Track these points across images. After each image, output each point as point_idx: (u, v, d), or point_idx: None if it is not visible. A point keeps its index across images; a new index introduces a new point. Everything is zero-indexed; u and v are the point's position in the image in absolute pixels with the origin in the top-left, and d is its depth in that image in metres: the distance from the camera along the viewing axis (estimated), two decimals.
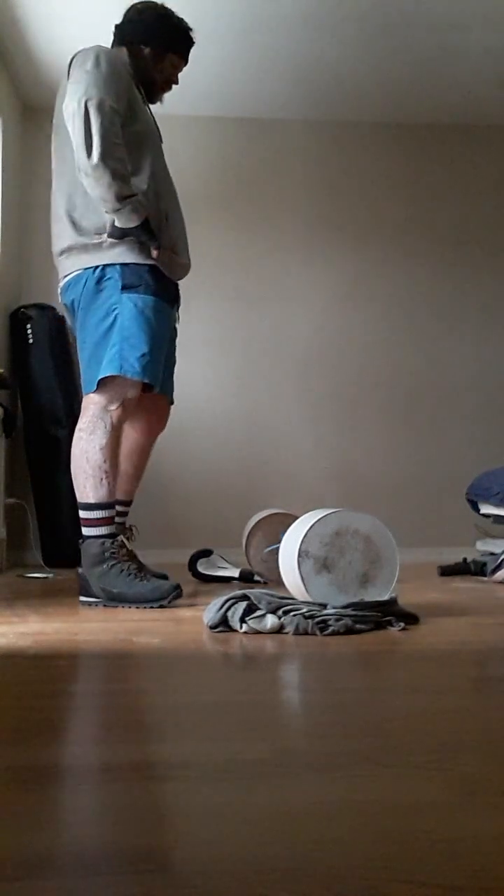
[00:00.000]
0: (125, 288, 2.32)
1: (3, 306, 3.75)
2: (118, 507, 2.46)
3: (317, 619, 1.73)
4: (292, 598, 1.91)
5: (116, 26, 2.53)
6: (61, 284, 2.46)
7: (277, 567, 2.17)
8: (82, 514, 2.36)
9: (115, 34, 2.52)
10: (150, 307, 2.34)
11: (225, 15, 3.41)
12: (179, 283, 2.53)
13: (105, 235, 2.31)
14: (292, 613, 1.76)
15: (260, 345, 4.23)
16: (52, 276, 3.56)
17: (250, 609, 1.76)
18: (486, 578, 3.07)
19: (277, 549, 2.24)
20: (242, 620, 1.73)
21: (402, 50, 3.69)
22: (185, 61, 2.60)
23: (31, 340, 3.76)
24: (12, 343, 3.81)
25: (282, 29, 3.51)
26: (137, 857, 0.63)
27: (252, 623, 1.73)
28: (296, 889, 0.58)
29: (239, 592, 1.84)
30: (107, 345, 2.32)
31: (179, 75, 2.62)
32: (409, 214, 4.39)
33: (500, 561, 2.98)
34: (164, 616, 2.05)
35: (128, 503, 2.58)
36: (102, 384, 2.33)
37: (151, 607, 2.20)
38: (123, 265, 2.33)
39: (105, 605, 2.26)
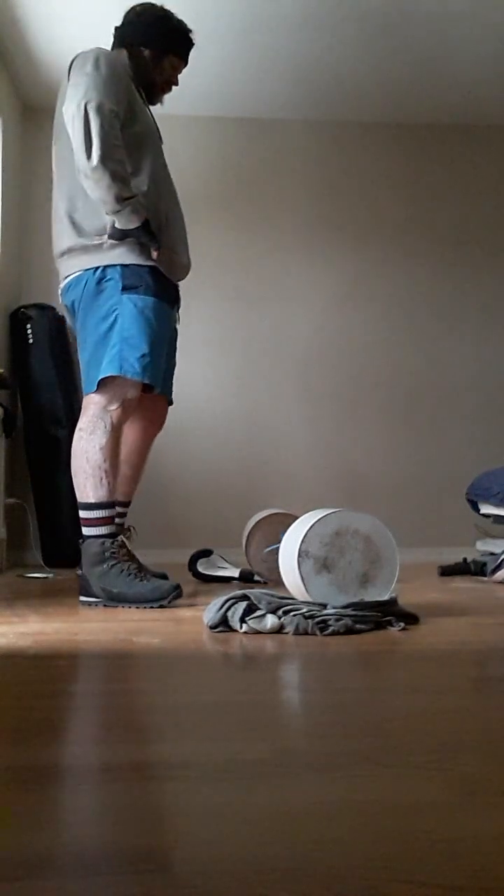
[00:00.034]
0: (125, 289, 2.33)
1: (3, 306, 3.75)
2: (117, 508, 2.46)
3: (317, 619, 1.73)
4: (292, 598, 1.91)
5: (116, 28, 2.53)
6: (62, 285, 2.47)
7: (277, 567, 2.17)
8: (82, 513, 2.36)
9: (114, 36, 2.53)
10: (150, 308, 2.34)
11: (225, 15, 3.41)
12: (180, 283, 2.54)
13: (105, 237, 2.32)
14: (292, 613, 1.76)
15: (260, 345, 4.24)
16: (52, 276, 3.56)
17: (250, 609, 1.76)
18: (486, 578, 3.07)
19: (277, 549, 2.24)
20: (242, 620, 1.73)
21: (402, 50, 3.69)
22: (185, 62, 2.60)
23: (31, 340, 3.76)
24: (12, 343, 3.81)
25: (282, 29, 3.52)
26: (137, 857, 0.63)
27: (252, 623, 1.73)
28: (296, 889, 0.58)
29: (239, 592, 1.84)
30: (107, 345, 2.32)
31: (179, 76, 2.62)
32: (409, 214, 4.39)
33: (500, 561, 2.98)
34: (164, 616, 2.05)
35: (126, 504, 2.58)
36: (102, 384, 2.34)
37: (151, 607, 2.20)
38: (124, 266, 2.34)
39: (105, 605, 2.26)
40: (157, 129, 2.56)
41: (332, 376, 4.26)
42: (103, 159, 2.18)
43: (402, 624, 1.78)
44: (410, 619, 1.84)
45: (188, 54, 2.60)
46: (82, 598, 2.31)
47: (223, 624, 1.76)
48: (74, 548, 2.49)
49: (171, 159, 2.62)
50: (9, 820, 0.71)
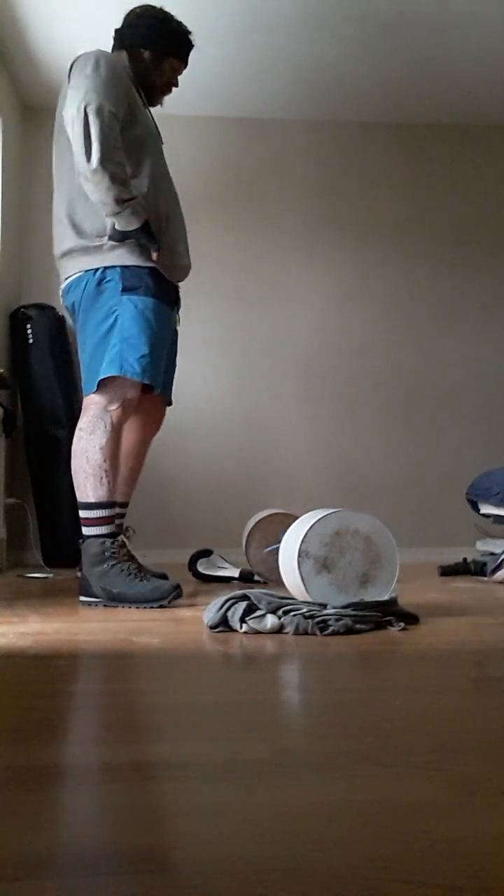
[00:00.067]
0: (125, 290, 2.33)
1: (3, 306, 3.75)
2: (117, 509, 2.46)
3: (317, 619, 1.73)
4: (292, 598, 1.91)
5: (116, 30, 2.54)
6: (62, 286, 2.48)
7: (277, 567, 2.17)
8: (82, 513, 2.37)
9: (114, 38, 2.53)
10: (150, 309, 2.35)
11: (225, 15, 3.41)
12: (180, 284, 2.54)
13: (106, 238, 2.33)
14: (292, 613, 1.76)
15: (260, 345, 4.24)
16: (52, 276, 3.57)
17: (250, 609, 1.76)
18: (486, 578, 3.07)
19: (277, 549, 2.24)
20: (242, 620, 1.73)
21: (402, 50, 3.69)
22: (185, 64, 2.61)
23: (31, 340, 3.76)
24: (12, 343, 3.81)
25: (282, 29, 3.52)
26: (137, 857, 0.63)
27: (252, 623, 1.73)
28: (296, 889, 0.58)
29: (239, 592, 1.84)
30: (107, 346, 2.33)
31: (179, 77, 2.62)
32: (409, 214, 4.39)
33: (500, 561, 2.98)
34: (164, 616, 2.05)
35: (124, 505, 2.58)
36: (102, 385, 2.34)
37: (151, 607, 2.20)
38: (124, 267, 2.34)
39: (105, 605, 2.26)
40: (158, 130, 2.56)
41: (332, 376, 4.26)
42: (103, 161, 2.19)
43: (402, 624, 1.78)
44: (410, 619, 1.84)
45: (188, 56, 2.60)
46: (82, 598, 2.31)
47: (223, 624, 1.76)
48: (74, 548, 2.49)
49: (171, 159, 2.62)
50: (9, 820, 0.71)
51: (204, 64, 3.61)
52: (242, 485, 4.08)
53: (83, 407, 2.41)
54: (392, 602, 1.87)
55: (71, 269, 2.41)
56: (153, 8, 2.56)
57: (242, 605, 1.77)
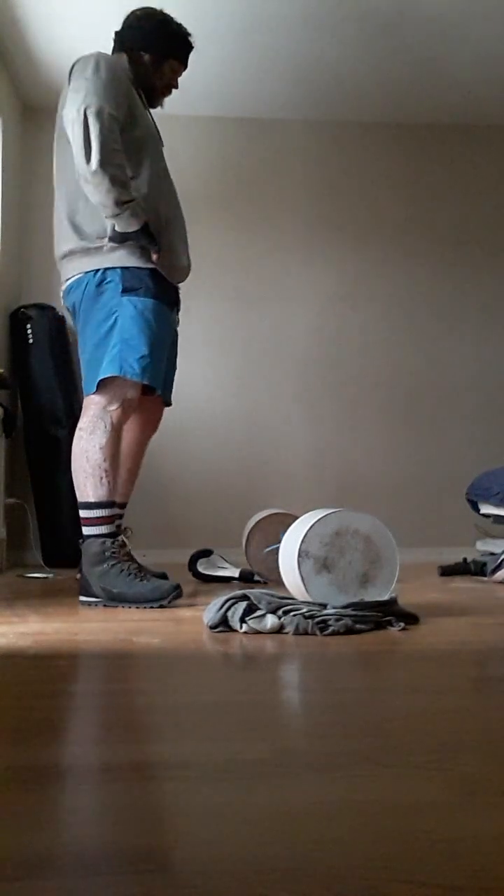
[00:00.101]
0: (125, 291, 2.34)
1: (3, 306, 3.75)
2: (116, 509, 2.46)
3: (317, 619, 1.73)
4: (292, 598, 1.91)
5: (116, 33, 2.55)
6: (63, 288, 2.49)
7: (277, 567, 2.17)
8: (82, 513, 2.37)
9: (115, 41, 2.54)
10: (149, 310, 2.35)
11: (225, 15, 3.41)
12: (180, 285, 2.55)
13: (106, 240, 2.33)
14: (292, 613, 1.76)
15: (260, 345, 4.24)
16: (52, 276, 3.57)
17: (250, 609, 1.76)
18: (486, 578, 3.07)
19: (277, 549, 2.24)
20: (242, 620, 1.73)
21: (402, 50, 3.69)
22: (185, 66, 2.62)
23: (31, 340, 3.76)
24: (12, 343, 3.81)
25: (282, 29, 3.52)
26: (137, 857, 0.63)
27: (252, 623, 1.73)
28: (296, 889, 0.58)
29: (239, 592, 1.84)
30: (107, 346, 2.33)
31: (179, 78, 2.63)
32: (409, 214, 4.39)
33: (500, 561, 2.98)
34: (164, 616, 2.05)
35: (123, 506, 2.58)
36: (102, 385, 2.34)
37: (151, 607, 2.20)
38: (124, 269, 2.35)
39: (105, 605, 2.26)
40: (158, 132, 2.57)
41: (332, 376, 4.26)
42: (102, 163, 2.20)
43: (402, 624, 1.78)
44: (410, 619, 1.84)
45: (188, 58, 2.61)
46: (82, 598, 2.31)
47: (223, 624, 1.76)
48: (74, 548, 2.49)
49: (171, 159, 2.63)
50: (9, 820, 0.71)
51: (204, 64, 3.61)
52: (242, 485, 4.08)
53: (83, 407, 2.41)
54: (392, 602, 1.87)
55: (71, 271, 2.42)
56: (153, 10, 2.57)
57: (242, 605, 1.77)
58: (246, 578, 2.85)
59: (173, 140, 3.25)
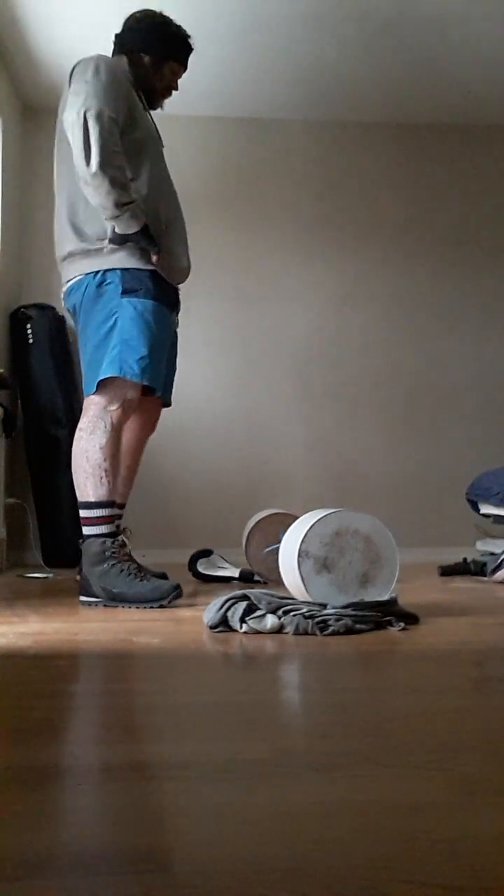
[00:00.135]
0: (125, 292, 2.35)
1: (3, 306, 3.75)
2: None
3: (317, 619, 1.73)
4: (292, 598, 1.91)
5: (116, 35, 2.56)
6: (63, 289, 2.50)
7: (277, 567, 2.17)
8: (82, 513, 2.37)
9: (114, 43, 2.56)
10: (149, 311, 2.36)
11: (225, 15, 3.41)
12: (179, 286, 2.55)
13: (106, 241, 2.34)
14: (292, 613, 1.76)
15: (260, 345, 4.24)
16: (52, 276, 3.57)
17: (250, 609, 1.76)
18: (486, 578, 3.07)
19: (277, 549, 2.24)
20: (242, 620, 1.73)
21: (402, 50, 3.69)
22: (185, 68, 2.63)
23: (31, 340, 3.76)
24: (12, 343, 3.81)
25: (282, 29, 3.52)
26: (137, 857, 0.63)
27: (252, 623, 1.73)
28: (296, 889, 0.58)
29: (239, 592, 1.84)
30: (107, 347, 2.34)
31: (179, 79, 2.63)
32: (409, 214, 4.39)
33: (500, 561, 2.98)
34: (164, 616, 2.05)
35: (122, 506, 2.58)
36: (102, 385, 2.35)
37: (151, 607, 2.20)
38: (124, 270, 2.36)
39: (105, 605, 2.26)
40: (158, 133, 2.57)
41: (332, 376, 4.27)
42: (102, 166, 2.21)
43: (402, 624, 1.78)
44: (410, 619, 1.84)
45: (187, 60, 2.62)
46: (82, 598, 2.32)
47: (223, 624, 1.76)
48: (74, 548, 2.49)
49: (171, 159, 2.63)
50: (9, 820, 0.71)
51: (204, 64, 3.61)
52: (242, 485, 4.08)
53: (83, 408, 2.42)
54: (392, 602, 1.87)
55: (72, 273, 2.43)
56: (153, 12, 2.58)
57: (242, 605, 1.77)
58: (246, 578, 2.85)
59: (173, 140, 3.25)
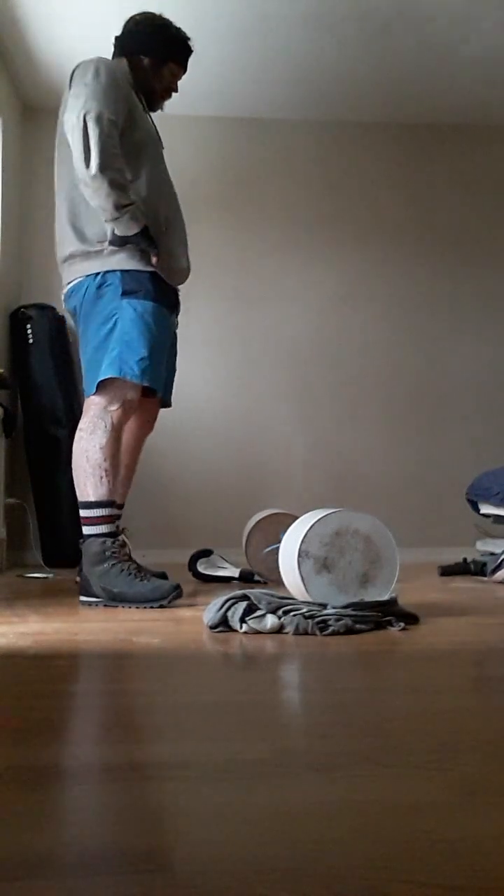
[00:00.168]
0: (125, 293, 2.35)
1: (3, 306, 3.75)
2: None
3: (317, 619, 1.73)
4: (292, 598, 1.91)
5: (116, 38, 2.57)
6: (64, 291, 2.51)
7: (277, 567, 2.17)
8: (83, 512, 2.37)
9: (114, 45, 2.57)
10: (149, 312, 2.36)
11: (225, 15, 3.41)
12: (179, 287, 2.56)
13: (106, 243, 2.35)
14: (292, 613, 1.76)
15: (259, 345, 4.24)
16: (52, 276, 3.57)
17: (250, 609, 1.76)
18: (486, 578, 3.07)
19: (277, 549, 2.24)
20: (242, 620, 1.73)
21: (402, 50, 3.69)
22: (184, 69, 2.64)
23: (31, 340, 3.76)
24: (12, 343, 3.81)
25: (282, 29, 3.52)
26: (137, 857, 0.63)
27: (252, 623, 1.73)
28: (296, 889, 0.58)
29: (239, 592, 1.84)
30: (107, 348, 2.34)
31: (179, 81, 2.64)
32: (409, 214, 4.39)
33: (500, 561, 2.98)
34: (164, 616, 2.05)
35: (120, 506, 2.58)
36: (102, 386, 2.36)
37: (151, 607, 2.20)
38: (124, 272, 2.36)
39: (105, 605, 2.26)
40: (158, 135, 2.58)
41: (332, 376, 4.27)
42: (102, 168, 2.21)
43: (402, 624, 1.78)
44: (410, 619, 1.84)
45: (187, 61, 2.63)
46: (82, 598, 2.32)
47: (223, 624, 1.76)
48: (74, 548, 2.49)
49: (171, 159, 2.63)
50: (9, 820, 0.71)
51: (204, 64, 3.62)
52: (242, 485, 4.08)
53: (84, 408, 2.43)
54: (392, 602, 1.87)
55: (72, 275, 2.44)
56: (152, 15, 2.59)
57: (242, 605, 1.77)
58: (246, 578, 2.85)
59: (173, 140, 3.25)
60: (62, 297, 2.54)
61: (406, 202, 4.39)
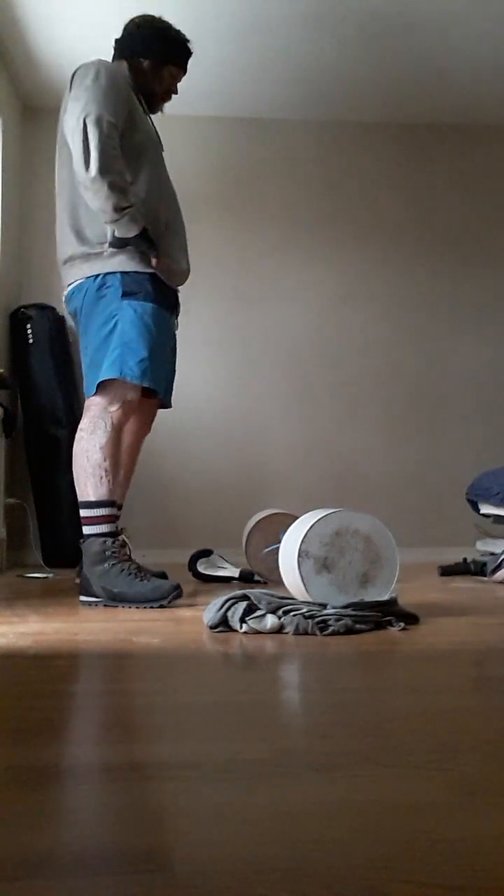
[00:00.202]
0: (125, 295, 2.36)
1: (3, 306, 3.75)
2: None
3: (317, 619, 1.73)
4: (292, 598, 1.91)
5: (116, 41, 2.58)
6: (65, 293, 2.52)
7: (277, 567, 2.17)
8: (83, 512, 2.37)
9: (115, 48, 2.58)
10: (149, 314, 2.36)
11: (225, 15, 3.41)
12: (179, 288, 2.56)
13: (107, 245, 2.35)
14: (292, 613, 1.76)
15: (259, 345, 4.24)
16: (52, 276, 3.57)
17: (250, 609, 1.76)
18: (486, 578, 3.07)
19: (277, 549, 2.24)
20: (242, 620, 1.73)
21: (402, 50, 3.69)
22: (184, 72, 2.65)
23: (31, 340, 3.76)
24: (12, 343, 3.81)
25: (282, 29, 3.52)
26: (137, 857, 0.63)
27: (252, 623, 1.73)
28: (296, 889, 0.58)
29: (239, 592, 1.84)
30: (107, 350, 2.35)
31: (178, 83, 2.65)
32: (409, 214, 4.39)
33: (500, 561, 2.98)
34: (164, 616, 2.05)
35: (119, 507, 2.58)
36: (102, 387, 2.36)
37: (151, 607, 2.20)
38: (124, 273, 2.37)
39: (105, 605, 2.26)
40: (158, 137, 2.59)
41: (332, 376, 4.27)
42: (101, 171, 2.22)
43: (402, 624, 1.78)
44: (410, 619, 1.84)
45: (187, 63, 2.64)
46: (82, 598, 2.32)
47: (223, 624, 1.76)
48: (74, 548, 2.49)
49: (171, 159, 2.63)
50: (9, 820, 0.71)
51: (204, 64, 3.61)
52: (242, 485, 4.08)
53: (84, 409, 2.43)
54: (392, 602, 1.87)
55: (72, 277, 2.44)
56: (152, 18, 2.60)
57: (242, 605, 1.77)
58: (246, 578, 2.85)
59: (173, 140, 3.25)
60: (63, 299, 2.55)
61: (406, 202, 4.39)
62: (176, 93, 2.65)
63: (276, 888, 0.58)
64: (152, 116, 2.62)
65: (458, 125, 4.43)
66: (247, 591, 1.84)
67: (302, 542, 1.96)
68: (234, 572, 2.90)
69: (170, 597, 2.22)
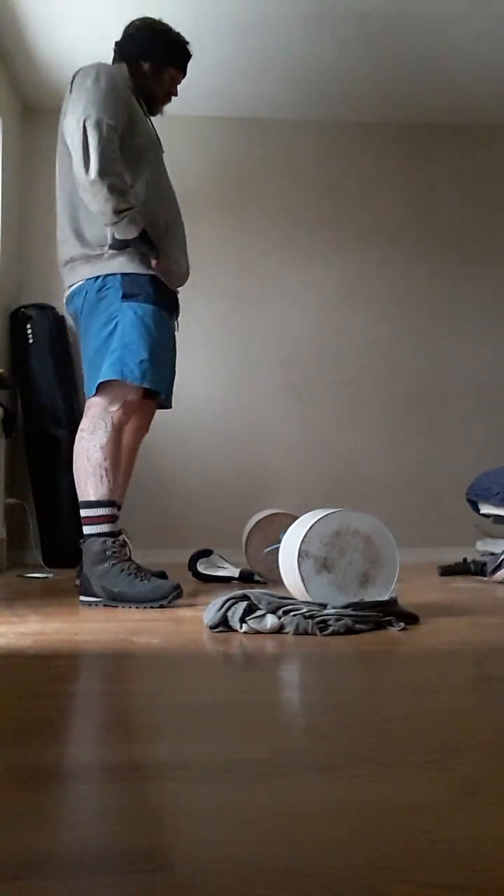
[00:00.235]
0: (125, 296, 2.36)
1: (3, 306, 3.75)
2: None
3: (317, 619, 1.73)
4: (292, 598, 1.91)
5: (116, 43, 2.58)
6: (66, 295, 2.53)
7: (277, 567, 2.17)
8: (83, 512, 2.37)
9: (115, 51, 2.59)
10: (149, 315, 2.37)
11: (225, 15, 3.41)
12: (179, 289, 2.56)
13: (107, 247, 2.35)
14: (292, 613, 1.76)
15: (259, 345, 4.24)
16: (52, 276, 3.57)
17: (250, 609, 1.76)
18: (486, 578, 3.07)
19: (277, 549, 2.24)
20: (242, 620, 1.73)
21: (402, 50, 3.69)
22: (184, 74, 2.65)
23: (31, 340, 3.76)
24: (12, 343, 3.81)
25: (282, 29, 3.52)
26: (137, 857, 0.63)
27: (252, 623, 1.73)
28: (296, 889, 0.58)
29: (239, 592, 1.84)
30: (107, 351, 2.36)
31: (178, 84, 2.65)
32: (409, 214, 4.39)
33: (500, 561, 2.98)
34: (164, 616, 2.05)
35: (119, 507, 2.58)
36: (103, 388, 2.37)
37: (151, 607, 2.20)
38: (124, 275, 2.38)
39: (105, 605, 2.26)
40: (158, 139, 2.59)
41: (332, 376, 4.27)
42: (101, 173, 2.23)
43: (402, 624, 1.78)
44: (410, 619, 1.84)
45: (186, 66, 2.65)
46: (82, 598, 2.32)
47: (223, 624, 1.76)
48: (74, 548, 2.49)
49: (170, 159, 2.63)
50: (9, 820, 0.71)
51: (204, 64, 3.61)
52: (242, 485, 4.08)
53: (85, 409, 2.44)
54: (392, 602, 1.87)
55: (73, 278, 2.45)
56: (152, 20, 2.60)
57: (242, 605, 1.77)
58: (246, 578, 2.85)
59: (173, 140, 3.25)
60: (64, 301, 2.56)
61: (406, 202, 4.39)
62: (176, 94, 2.66)
63: (276, 888, 0.58)
64: (153, 119, 2.63)
65: (458, 125, 4.43)
66: (247, 591, 1.84)
67: (302, 542, 1.96)
68: (234, 572, 2.90)
69: (170, 597, 2.22)
